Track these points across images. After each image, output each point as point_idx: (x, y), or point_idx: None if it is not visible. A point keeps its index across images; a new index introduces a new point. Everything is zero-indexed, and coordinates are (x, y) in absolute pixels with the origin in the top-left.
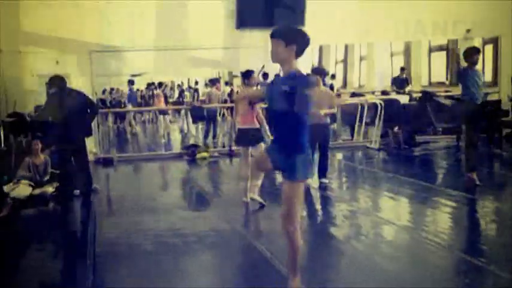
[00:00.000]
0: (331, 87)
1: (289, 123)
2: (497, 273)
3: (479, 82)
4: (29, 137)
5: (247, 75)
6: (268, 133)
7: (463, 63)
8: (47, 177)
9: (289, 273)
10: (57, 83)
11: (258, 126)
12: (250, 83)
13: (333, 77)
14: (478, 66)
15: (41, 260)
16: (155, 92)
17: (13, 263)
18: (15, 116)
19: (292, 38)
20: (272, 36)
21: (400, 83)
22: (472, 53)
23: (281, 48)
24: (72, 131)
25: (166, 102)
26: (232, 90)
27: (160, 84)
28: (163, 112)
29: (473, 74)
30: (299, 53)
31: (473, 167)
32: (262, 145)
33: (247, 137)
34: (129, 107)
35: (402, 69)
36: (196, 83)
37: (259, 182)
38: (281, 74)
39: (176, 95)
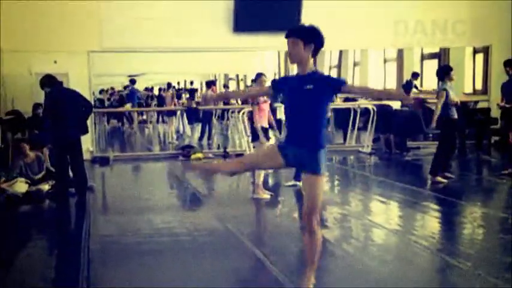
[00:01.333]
0: None
1: (310, 120)
2: (484, 276)
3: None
4: (26, 135)
5: (255, 77)
6: (276, 131)
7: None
8: (42, 174)
9: (309, 267)
10: (48, 82)
11: (267, 124)
12: (259, 85)
13: None
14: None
15: (36, 256)
16: (167, 93)
17: (8, 259)
18: (13, 114)
19: (310, 37)
20: (289, 35)
21: (408, 88)
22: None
23: (300, 48)
24: (68, 129)
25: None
26: None
27: (169, 84)
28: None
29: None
30: (315, 52)
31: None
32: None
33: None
34: (128, 106)
35: (415, 74)
36: (192, 85)
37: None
38: (299, 73)
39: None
